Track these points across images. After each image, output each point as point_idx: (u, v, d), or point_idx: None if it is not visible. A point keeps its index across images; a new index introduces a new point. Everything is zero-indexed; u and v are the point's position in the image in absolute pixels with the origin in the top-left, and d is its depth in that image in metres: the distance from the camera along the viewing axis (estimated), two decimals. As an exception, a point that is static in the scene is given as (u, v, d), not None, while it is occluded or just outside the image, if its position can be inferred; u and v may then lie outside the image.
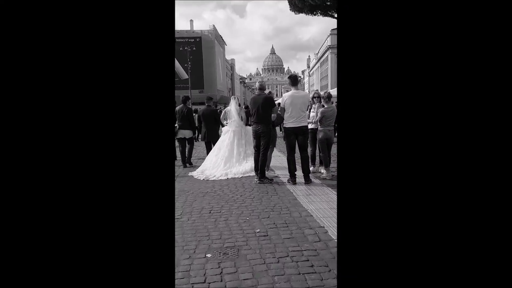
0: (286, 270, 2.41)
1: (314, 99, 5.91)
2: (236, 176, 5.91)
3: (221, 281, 2.32)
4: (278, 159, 7.43)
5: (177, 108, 7.05)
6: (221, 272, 2.43)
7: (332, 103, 5.57)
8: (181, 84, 38.89)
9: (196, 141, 7.73)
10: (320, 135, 5.48)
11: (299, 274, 2.35)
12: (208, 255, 2.72)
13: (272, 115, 5.27)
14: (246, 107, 7.49)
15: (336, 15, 23.26)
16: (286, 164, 5.25)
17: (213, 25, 52.22)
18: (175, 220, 3.56)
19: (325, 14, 23.35)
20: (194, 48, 40.67)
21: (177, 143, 7.23)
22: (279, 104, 5.55)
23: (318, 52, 74.87)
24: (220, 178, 5.85)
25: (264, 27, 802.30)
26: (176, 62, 37.71)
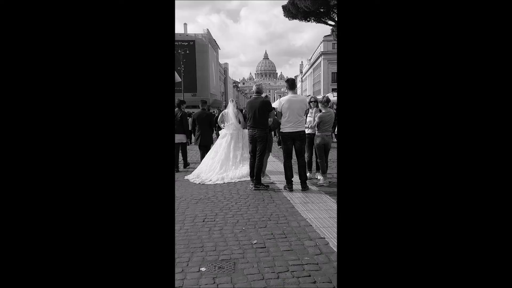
0: (287, 286, 2.23)
1: (311, 104, 5.76)
2: (233, 181, 5.79)
3: (217, 299, 2.13)
4: (273, 164, 7.27)
5: None
6: (217, 288, 2.25)
7: (331, 107, 5.44)
8: (174, 87, 38.49)
9: (188, 145, 7.59)
10: (317, 141, 5.33)
11: (302, 291, 2.17)
12: (203, 269, 2.53)
13: (269, 119, 5.12)
14: (241, 111, 7.37)
15: (329, 22, 23.46)
16: (281, 169, 5.09)
17: (207, 29, 52.16)
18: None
19: (318, 20, 23.59)
20: (187, 51, 40.42)
21: None
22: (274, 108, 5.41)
23: (311, 58, 75.30)
24: (216, 182, 5.72)
25: (258, 32, 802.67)
26: (170, 65, 37.27)
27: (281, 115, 4.94)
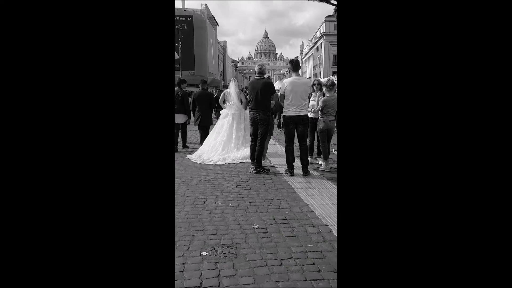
0: (290, 275, 2.20)
1: (314, 87, 5.62)
2: (234, 162, 5.81)
3: (219, 285, 2.09)
4: (273, 147, 7.20)
5: None
6: (219, 274, 2.21)
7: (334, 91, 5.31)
8: (174, 65, 37.85)
9: (188, 124, 7.50)
10: (320, 126, 5.23)
11: (306, 280, 2.14)
12: (204, 253, 2.48)
13: (271, 101, 4.99)
14: (242, 90, 7.25)
15: (332, 1, 22.81)
16: (280, 152, 5.01)
17: (206, 4, 50.68)
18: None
19: (320, -1, 22.90)
20: (185, 27, 39.39)
21: None
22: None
23: (312, 38, 74.02)
24: (217, 162, 5.74)
25: (258, 9, 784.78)
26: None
27: (284, 97, 4.82)
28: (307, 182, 4.55)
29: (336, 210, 3.41)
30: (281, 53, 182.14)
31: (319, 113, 5.23)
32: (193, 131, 8.83)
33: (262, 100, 4.90)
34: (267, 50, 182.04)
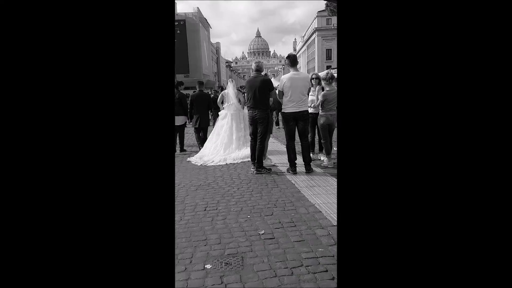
0: (303, 284, 2.01)
1: (312, 81, 5.44)
2: (235, 161, 5.75)
3: (226, 301, 1.91)
4: (272, 144, 7.02)
5: None
6: (225, 289, 2.02)
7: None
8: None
9: (186, 127, 7.37)
10: (321, 121, 5.04)
11: (320, 290, 1.96)
12: (208, 266, 2.30)
13: (270, 99, 4.81)
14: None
15: (324, -5, 22.62)
16: (280, 149, 4.84)
17: (197, 8, 50.53)
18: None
19: (313, -6, 22.73)
20: (178, 31, 39.25)
21: None
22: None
23: (305, 34, 73.81)
24: (219, 163, 5.69)
25: (249, 9, 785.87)
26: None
27: (283, 94, 4.64)
28: (310, 180, 4.37)
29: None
30: (274, 51, 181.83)
31: (320, 107, 5.05)
32: (189, 134, 8.64)
33: (260, 98, 4.72)
34: (260, 49, 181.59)
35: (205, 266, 2.30)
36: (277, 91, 4.84)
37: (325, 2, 24.25)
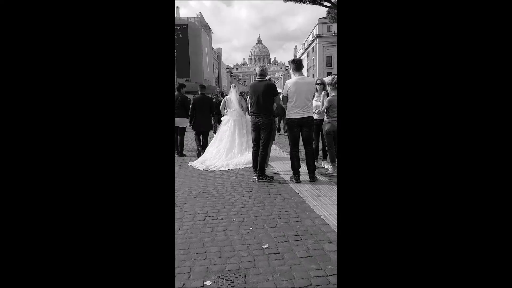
0: (313, 308, 1.82)
1: (317, 86, 5.28)
2: (238, 167, 5.62)
3: (228, 326, 1.71)
4: (274, 152, 6.83)
5: None
6: (227, 310, 1.83)
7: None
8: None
9: (185, 131, 7.22)
10: (326, 127, 4.87)
11: (332, 315, 1.77)
12: (207, 283, 2.11)
13: (273, 104, 4.65)
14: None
15: (325, 3, 22.66)
16: (281, 156, 4.67)
17: (200, 13, 50.65)
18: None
19: (314, 2, 22.77)
20: (180, 36, 39.33)
21: None
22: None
23: (305, 41, 74.05)
24: (221, 168, 5.56)
25: (251, 16, 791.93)
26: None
27: (287, 99, 4.47)
28: (315, 189, 4.18)
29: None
30: (275, 57, 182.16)
31: (325, 114, 4.88)
32: (189, 138, 8.46)
33: (264, 104, 4.56)
34: (261, 56, 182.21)
35: (205, 283, 2.11)
36: (281, 96, 4.68)
37: (327, 9, 24.27)
